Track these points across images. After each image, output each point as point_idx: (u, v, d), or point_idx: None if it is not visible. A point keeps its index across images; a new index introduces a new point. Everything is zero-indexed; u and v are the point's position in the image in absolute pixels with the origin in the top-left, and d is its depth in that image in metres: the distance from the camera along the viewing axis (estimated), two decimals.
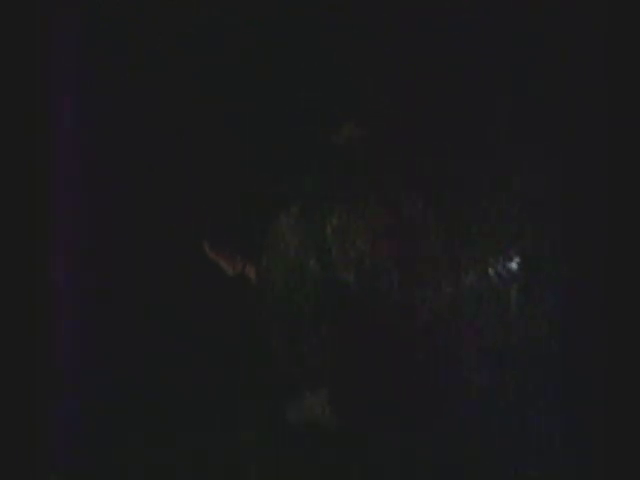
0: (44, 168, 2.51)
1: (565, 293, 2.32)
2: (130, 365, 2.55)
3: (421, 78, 2.46)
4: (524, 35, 2.39)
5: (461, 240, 2.34)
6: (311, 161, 2.48)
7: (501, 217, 2.36)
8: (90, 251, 2.61)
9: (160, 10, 2.60)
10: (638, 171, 2.22)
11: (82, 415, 2.55)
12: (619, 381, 2.18)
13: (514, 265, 2.33)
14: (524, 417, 2.30)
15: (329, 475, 2.35)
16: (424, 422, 2.33)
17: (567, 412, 2.30)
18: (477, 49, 2.41)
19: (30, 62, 2.44)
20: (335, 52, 2.51)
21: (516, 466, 2.29)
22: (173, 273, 2.56)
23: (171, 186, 2.57)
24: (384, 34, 2.50)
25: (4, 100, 2.39)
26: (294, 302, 2.40)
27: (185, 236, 2.56)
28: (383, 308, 2.34)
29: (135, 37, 2.61)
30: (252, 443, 2.45)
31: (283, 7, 2.55)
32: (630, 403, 2.15)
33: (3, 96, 2.39)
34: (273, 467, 2.41)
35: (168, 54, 2.59)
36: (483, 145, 2.40)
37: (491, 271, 2.33)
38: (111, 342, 2.58)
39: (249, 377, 2.51)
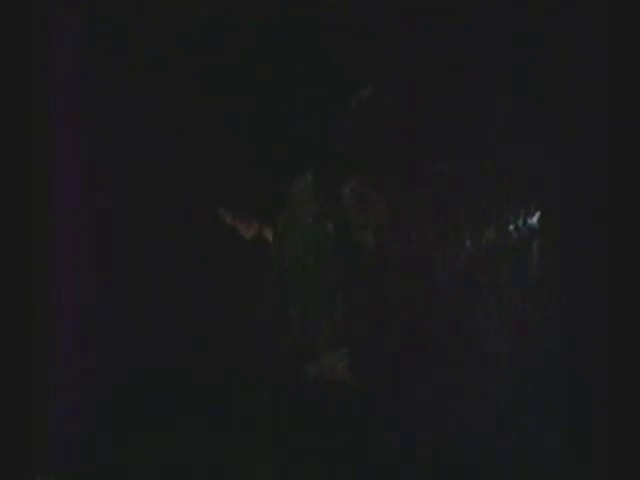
0: (44, 168, 2.51)
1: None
2: (130, 365, 2.55)
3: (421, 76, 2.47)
4: (524, 35, 2.40)
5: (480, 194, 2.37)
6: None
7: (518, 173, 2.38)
8: (90, 251, 2.61)
9: (160, 10, 2.60)
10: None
11: (82, 415, 2.55)
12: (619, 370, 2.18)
13: (532, 220, 2.35)
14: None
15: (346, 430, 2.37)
16: (440, 381, 2.35)
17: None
18: (477, 49, 2.41)
19: (30, 62, 2.44)
20: (335, 52, 2.51)
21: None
22: (179, 260, 2.55)
23: (175, 179, 2.56)
24: (384, 35, 2.50)
25: (4, 100, 2.39)
26: (311, 265, 2.42)
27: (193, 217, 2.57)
28: (401, 268, 2.37)
29: (135, 37, 2.61)
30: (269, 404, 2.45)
31: (283, 7, 2.55)
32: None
33: (3, 96, 2.39)
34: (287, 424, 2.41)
35: (168, 54, 2.59)
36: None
37: (510, 226, 2.35)
38: (111, 342, 2.57)
39: (265, 344, 2.50)
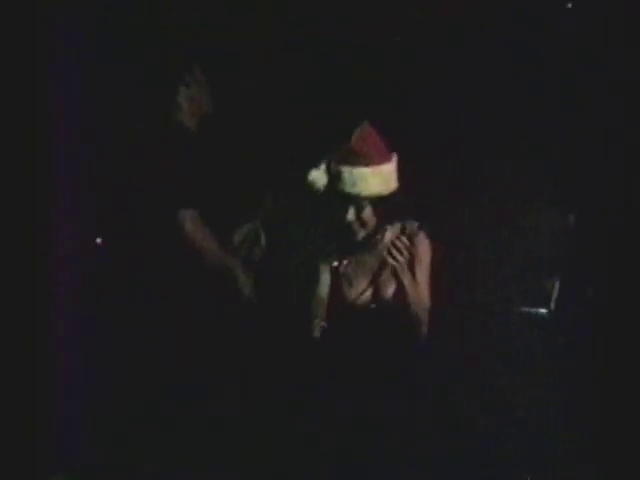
0: (44, 168, 2.50)
1: None
2: (130, 365, 2.55)
3: None
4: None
5: None
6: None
7: None
8: (90, 250, 2.61)
9: (160, 9, 2.60)
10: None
11: (83, 416, 2.55)
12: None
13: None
14: None
15: None
16: None
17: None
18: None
19: (30, 62, 2.43)
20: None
21: None
22: (174, 266, 2.54)
23: (172, 182, 2.55)
24: None
25: (4, 100, 2.39)
26: None
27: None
28: None
29: (135, 36, 2.62)
30: None
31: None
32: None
33: (3, 96, 2.39)
34: None
35: (169, 52, 2.59)
36: None
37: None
38: (111, 342, 2.57)
39: None
